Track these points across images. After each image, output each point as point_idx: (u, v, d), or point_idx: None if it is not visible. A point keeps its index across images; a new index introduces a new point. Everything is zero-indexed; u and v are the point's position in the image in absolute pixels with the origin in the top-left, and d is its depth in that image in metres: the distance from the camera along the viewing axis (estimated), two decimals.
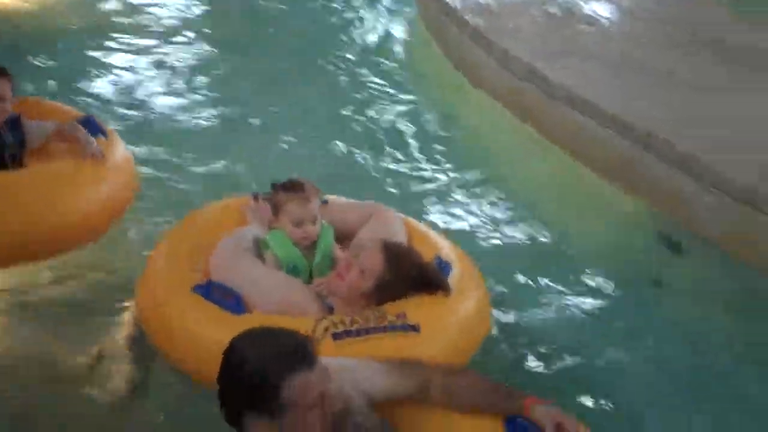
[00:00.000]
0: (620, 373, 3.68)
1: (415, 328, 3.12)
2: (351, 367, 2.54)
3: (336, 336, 3.03)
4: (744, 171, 4.61)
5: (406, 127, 5.89)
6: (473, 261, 3.65)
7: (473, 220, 4.82)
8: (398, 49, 7.34)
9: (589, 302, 4.13)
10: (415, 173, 5.31)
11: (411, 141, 5.72)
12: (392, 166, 5.36)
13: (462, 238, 4.08)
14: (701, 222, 4.64)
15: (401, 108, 6.17)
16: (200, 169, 5.03)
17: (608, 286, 4.26)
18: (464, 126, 6.06)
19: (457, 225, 4.76)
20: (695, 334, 3.95)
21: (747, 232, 4.45)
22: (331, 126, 5.84)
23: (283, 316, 3.12)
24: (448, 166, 5.39)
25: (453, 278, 3.39)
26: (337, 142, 5.54)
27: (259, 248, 3.46)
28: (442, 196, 5.07)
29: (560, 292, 4.17)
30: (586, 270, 4.34)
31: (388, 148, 5.57)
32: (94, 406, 3.27)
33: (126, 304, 3.66)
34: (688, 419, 3.43)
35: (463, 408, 2.55)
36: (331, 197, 3.80)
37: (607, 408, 3.45)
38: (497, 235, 4.71)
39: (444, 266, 3.45)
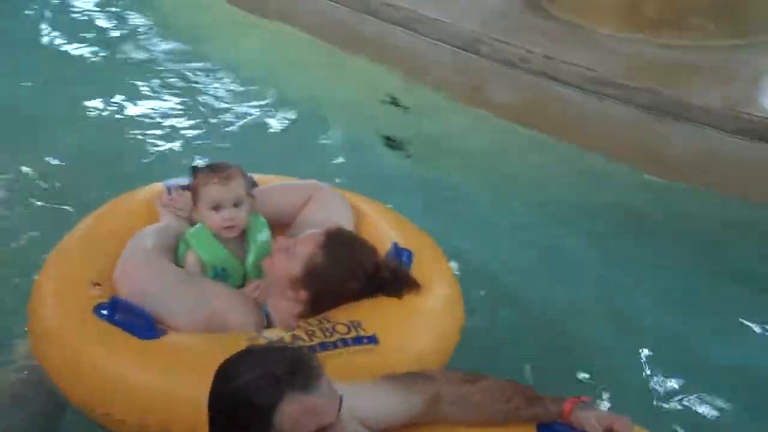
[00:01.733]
0: None
1: (373, 339, 2.53)
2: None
3: None
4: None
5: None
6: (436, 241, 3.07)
7: None
8: None
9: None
10: None
11: None
12: None
13: None
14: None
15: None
16: None
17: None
18: None
19: None
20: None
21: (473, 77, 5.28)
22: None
23: (207, 336, 2.52)
24: None
25: (415, 269, 2.80)
26: None
27: (176, 251, 2.84)
28: None
29: None
30: None
31: None
32: None
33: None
34: None
35: (483, 420, 2.03)
36: (263, 178, 3.17)
37: None
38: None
39: (403, 255, 2.86)
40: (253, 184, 3.02)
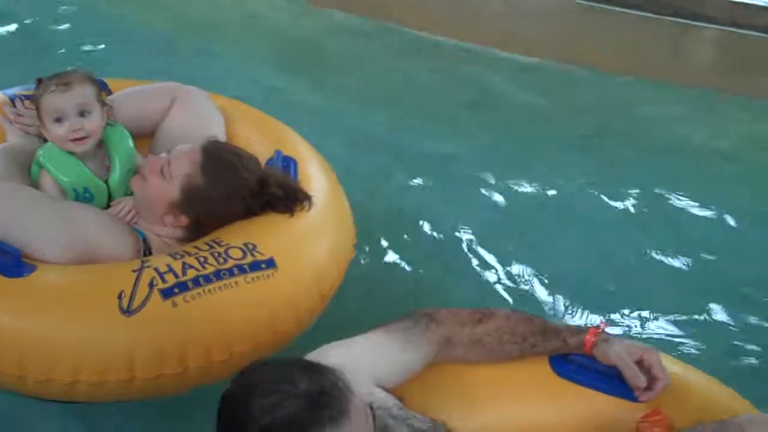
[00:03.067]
0: None
1: (271, 263, 2.30)
2: (349, 366, 1.55)
3: (166, 293, 2.15)
4: None
5: None
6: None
7: None
8: None
9: None
10: None
11: None
12: None
13: None
14: None
15: None
16: None
17: None
18: None
19: None
20: None
21: None
22: None
23: (86, 269, 2.21)
24: None
25: (302, 180, 2.57)
26: None
27: (30, 174, 2.45)
28: None
29: None
30: None
31: None
32: None
33: None
34: None
35: (497, 358, 1.86)
36: (115, 83, 2.79)
37: None
38: None
39: (288, 164, 2.62)
40: (108, 91, 2.64)
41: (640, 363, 1.74)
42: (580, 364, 1.80)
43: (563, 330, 1.85)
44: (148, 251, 2.37)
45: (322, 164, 2.73)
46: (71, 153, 2.42)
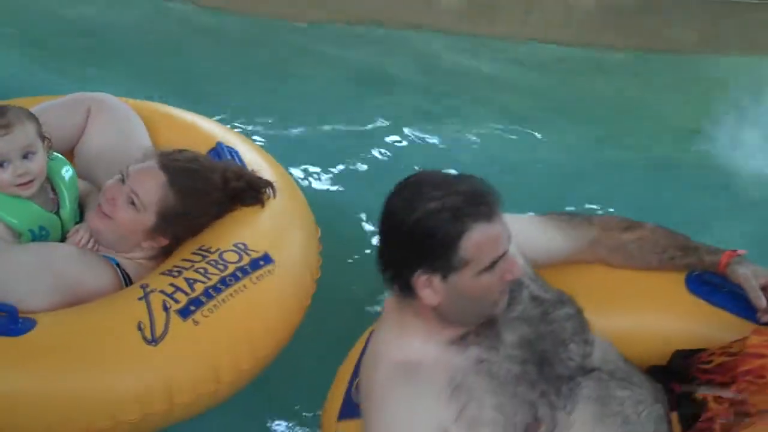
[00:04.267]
0: None
1: (267, 259, 2.27)
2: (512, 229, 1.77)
3: (183, 313, 2.07)
4: None
5: None
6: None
7: None
8: None
9: None
10: None
11: None
12: None
13: None
14: None
15: None
16: None
17: None
18: None
19: None
20: None
21: None
22: None
23: (86, 310, 2.08)
24: None
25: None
26: None
27: None
28: None
29: None
30: None
31: None
32: None
33: None
34: None
35: (637, 265, 2.03)
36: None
37: None
38: None
39: (233, 154, 2.56)
40: None
41: (765, 288, 1.89)
42: (714, 284, 1.95)
43: (702, 248, 2.00)
44: (126, 276, 2.25)
45: (258, 150, 2.68)
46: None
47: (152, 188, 2.23)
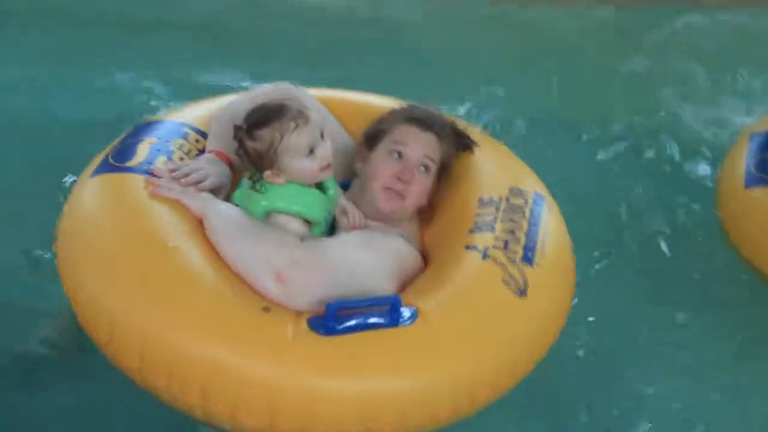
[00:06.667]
0: None
1: (540, 196, 2.35)
2: None
3: (529, 260, 2.12)
4: None
5: None
6: None
7: None
8: None
9: None
10: None
11: None
12: None
13: None
14: None
15: None
16: None
17: None
18: None
19: None
20: None
21: None
22: None
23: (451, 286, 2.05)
24: None
25: None
26: None
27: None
28: None
29: None
30: None
31: None
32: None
33: None
34: None
35: None
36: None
37: None
38: None
39: None
40: None
41: None
42: None
43: None
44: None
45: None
46: (300, 183, 2.10)
47: (436, 147, 2.28)
